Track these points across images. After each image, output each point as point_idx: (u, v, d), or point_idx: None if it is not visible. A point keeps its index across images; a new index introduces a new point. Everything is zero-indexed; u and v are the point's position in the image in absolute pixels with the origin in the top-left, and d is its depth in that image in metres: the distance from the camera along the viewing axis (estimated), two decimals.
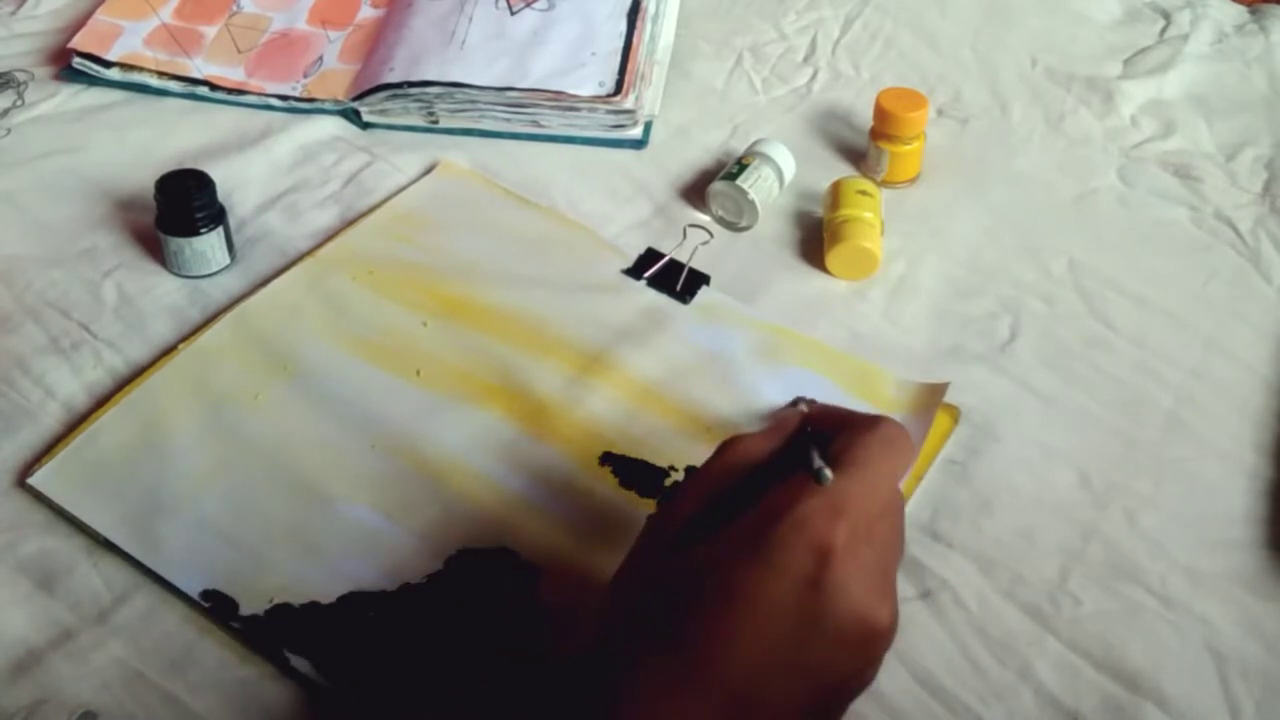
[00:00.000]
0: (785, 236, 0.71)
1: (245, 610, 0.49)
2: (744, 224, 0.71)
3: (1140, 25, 0.91)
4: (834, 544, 0.38)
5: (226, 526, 0.52)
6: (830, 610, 0.38)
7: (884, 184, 0.74)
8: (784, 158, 0.73)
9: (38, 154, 0.73)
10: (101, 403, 0.58)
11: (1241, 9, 0.93)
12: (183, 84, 0.78)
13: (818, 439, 0.45)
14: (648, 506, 0.55)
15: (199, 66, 0.79)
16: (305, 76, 0.79)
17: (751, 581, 0.38)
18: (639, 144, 0.77)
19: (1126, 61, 0.87)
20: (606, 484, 0.56)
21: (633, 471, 0.56)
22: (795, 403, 0.57)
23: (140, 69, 0.79)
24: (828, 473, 0.40)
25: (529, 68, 0.77)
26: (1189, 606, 0.52)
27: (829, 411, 0.49)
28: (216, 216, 0.64)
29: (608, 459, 0.56)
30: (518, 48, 0.79)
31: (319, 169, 0.74)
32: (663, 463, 0.57)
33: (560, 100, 0.76)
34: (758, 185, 0.70)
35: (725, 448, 0.45)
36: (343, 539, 0.52)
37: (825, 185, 0.71)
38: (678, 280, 0.66)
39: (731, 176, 0.71)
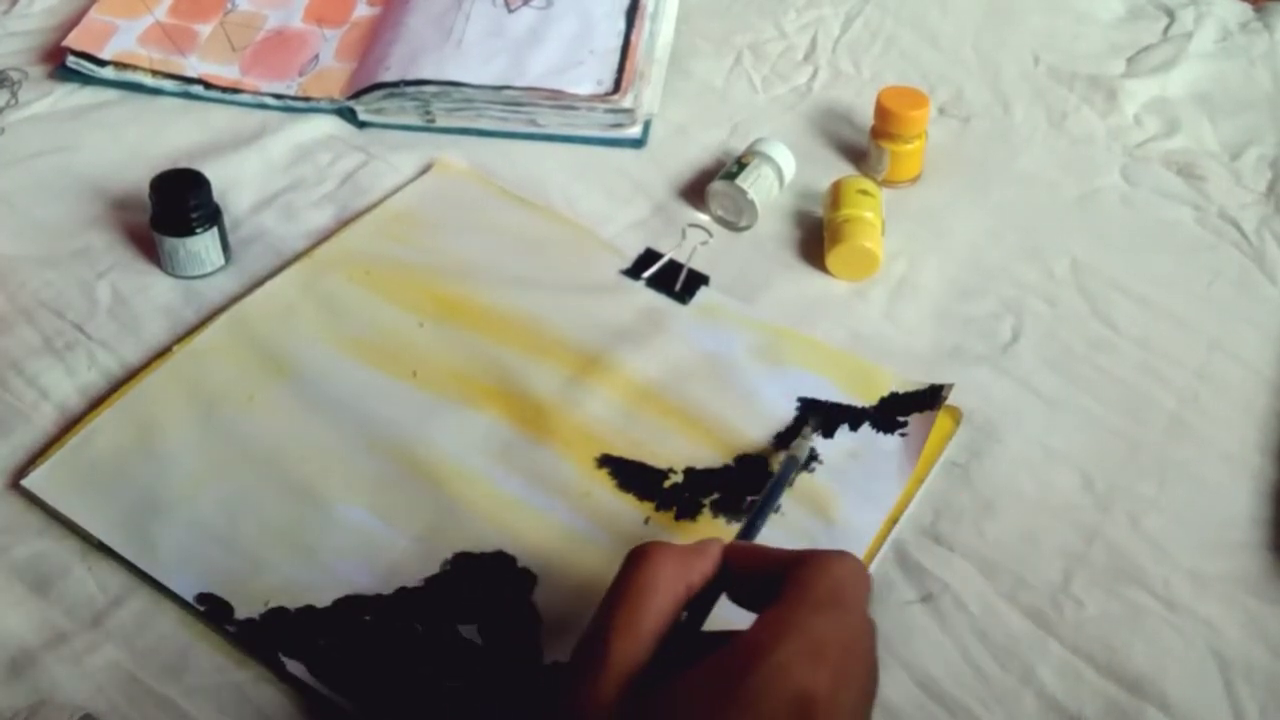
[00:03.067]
0: (785, 236, 0.71)
1: (240, 614, 0.49)
2: (743, 224, 0.71)
3: (1144, 23, 0.90)
4: (818, 693, 0.36)
5: (221, 529, 0.52)
6: None
7: (885, 183, 0.74)
8: (784, 157, 0.72)
9: (31, 153, 0.73)
10: (96, 404, 0.57)
11: (1246, 7, 0.92)
12: (177, 83, 0.78)
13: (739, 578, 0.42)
14: (646, 509, 0.54)
15: (193, 65, 0.79)
16: (301, 75, 0.79)
17: None
18: (637, 143, 0.77)
19: (1130, 60, 0.87)
20: (605, 486, 0.55)
21: (631, 473, 0.56)
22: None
23: (134, 67, 0.78)
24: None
25: (526, 66, 0.77)
26: (1192, 609, 0.52)
27: (754, 551, 0.44)
28: (211, 216, 0.64)
29: (606, 461, 0.56)
30: (515, 46, 0.78)
31: (315, 168, 0.73)
32: (661, 464, 0.56)
33: (558, 99, 0.76)
34: (757, 185, 0.70)
35: (655, 575, 0.41)
36: (338, 542, 0.52)
37: (825, 185, 0.71)
38: (677, 280, 0.66)
39: (731, 176, 0.70)
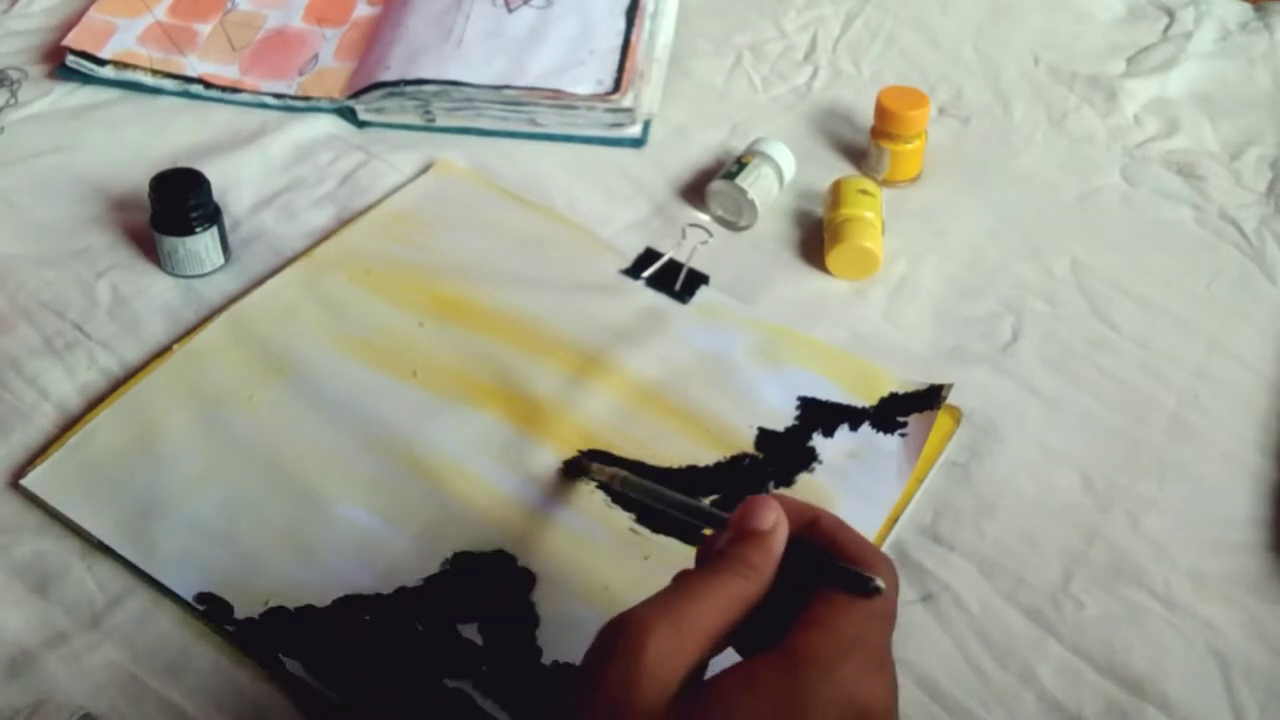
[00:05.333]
0: (785, 236, 0.71)
1: (240, 613, 0.49)
2: (743, 223, 0.71)
3: (1144, 23, 0.90)
4: (875, 707, 0.33)
5: (221, 529, 0.52)
6: None
7: (885, 183, 0.74)
8: (784, 156, 0.72)
9: (31, 153, 0.73)
10: (95, 404, 0.57)
11: (1246, 6, 0.92)
12: (177, 82, 0.78)
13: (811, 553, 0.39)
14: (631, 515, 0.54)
15: (193, 64, 0.79)
16: (301, 74, 0.79)
17: None
18: (637, 143, 0.77)
19: (1130, 60, 0.87)
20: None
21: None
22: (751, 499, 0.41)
23: (134, 67, 0.78)
24: (879, 582, 0.36)
25: (526, 66, 0.77)
26: (1192, 609, 0.52)
27: (812, 516, 0.40)
28: (211, 216, 0.64)
29: (595, 458, 0.56)
30: (515, 45, 0.78)
31: (314, 168, 0.73)
32: (662, 464, 0.56)
33: (558, 98, 0.75)
34: (757, 184, 0.70)
35: (719, 579, 0.37)
36: (338, 541, 0.52)
37: (825, 184, 0.71)
38: (677, 280, 0.66)
39: (731, 175, 0.70)
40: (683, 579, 0.37)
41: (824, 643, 0.35)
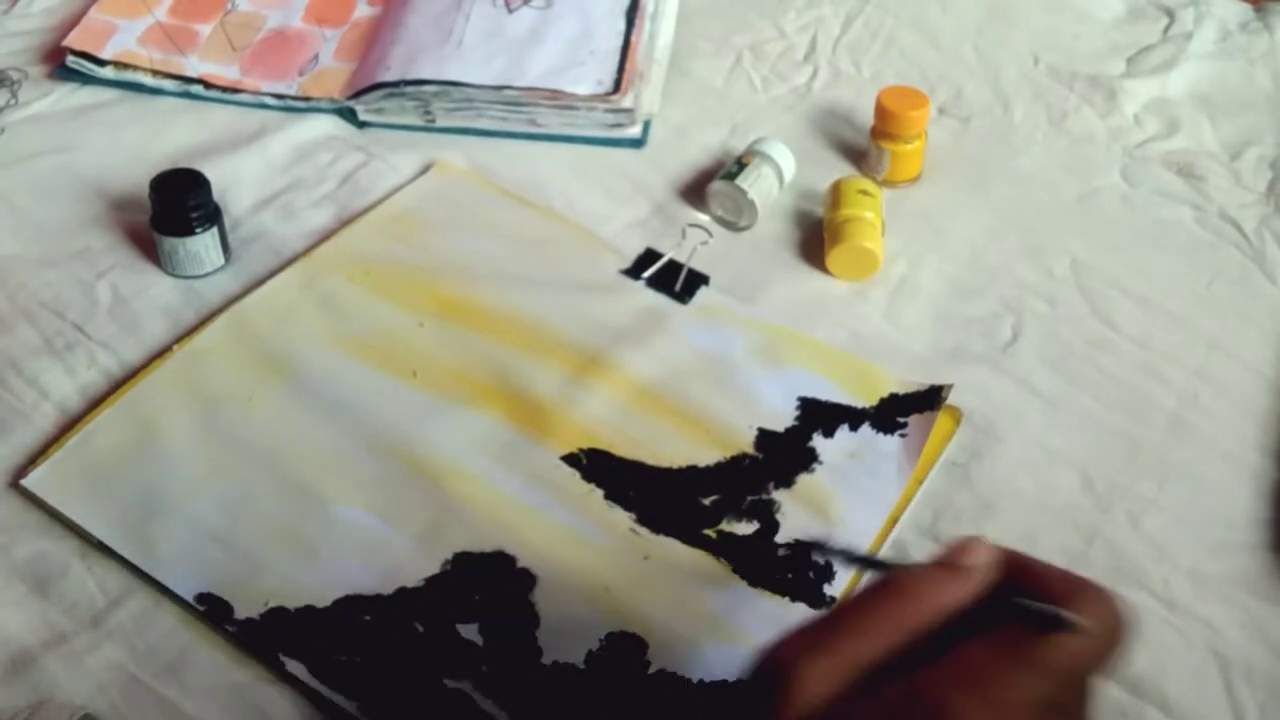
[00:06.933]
0: (785, 236, 0.71)
1: (240, 613, 0.49)
2: (743, 224, 0.71)
3: (1144, 23, 0.90)
4: None
5: (221, 529, 0.52)
6: None
7: (885, 183, 0.74)
8: (784, 157, 0.72)
9: (31, 153, 0.73)
10: (95, 404, 0.57)
11: (1246, 7, 0.92)
12: (177, 82, 0.78)
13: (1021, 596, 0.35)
14: (631, 516, 0.54)
15: (193, 65, 0.79)
16: (301, 75, 0.79)
17: None
18: (637, 143, 0.77)
19: (1130, 60, 0.87)
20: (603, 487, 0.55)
21: (602, 470, 0.55)
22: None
23: (134, 67, 0.78)
24: (1068, 616, 0.32)
25: (526, 66, 0.77)
26: (1193, 610, 0.52)
27: (1028, 564, 0.37)
28: (211, 216, 0.64)
29: (593, 457, 0.56)
30: (515, 46, 0.78)
31: (314, 168, 0.73)
32: (662, 464, 0.56)
33: (558, 99, 0.76)
34: (757, 185, 0.70)
35: (910, 595, 0.34)
36: (338, 542, 0.52)
37: (826, 185, 0.71)
38: (677, 280, 0.66)
39: (731, 176, 0.70)
40: (846, 604, 0.36)
41: (930, 680, 0.32)
